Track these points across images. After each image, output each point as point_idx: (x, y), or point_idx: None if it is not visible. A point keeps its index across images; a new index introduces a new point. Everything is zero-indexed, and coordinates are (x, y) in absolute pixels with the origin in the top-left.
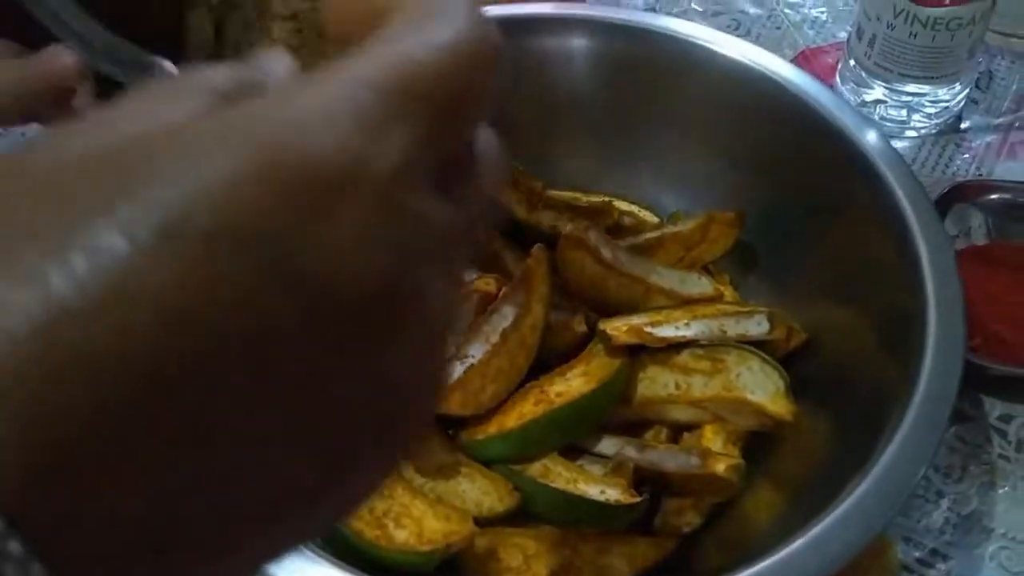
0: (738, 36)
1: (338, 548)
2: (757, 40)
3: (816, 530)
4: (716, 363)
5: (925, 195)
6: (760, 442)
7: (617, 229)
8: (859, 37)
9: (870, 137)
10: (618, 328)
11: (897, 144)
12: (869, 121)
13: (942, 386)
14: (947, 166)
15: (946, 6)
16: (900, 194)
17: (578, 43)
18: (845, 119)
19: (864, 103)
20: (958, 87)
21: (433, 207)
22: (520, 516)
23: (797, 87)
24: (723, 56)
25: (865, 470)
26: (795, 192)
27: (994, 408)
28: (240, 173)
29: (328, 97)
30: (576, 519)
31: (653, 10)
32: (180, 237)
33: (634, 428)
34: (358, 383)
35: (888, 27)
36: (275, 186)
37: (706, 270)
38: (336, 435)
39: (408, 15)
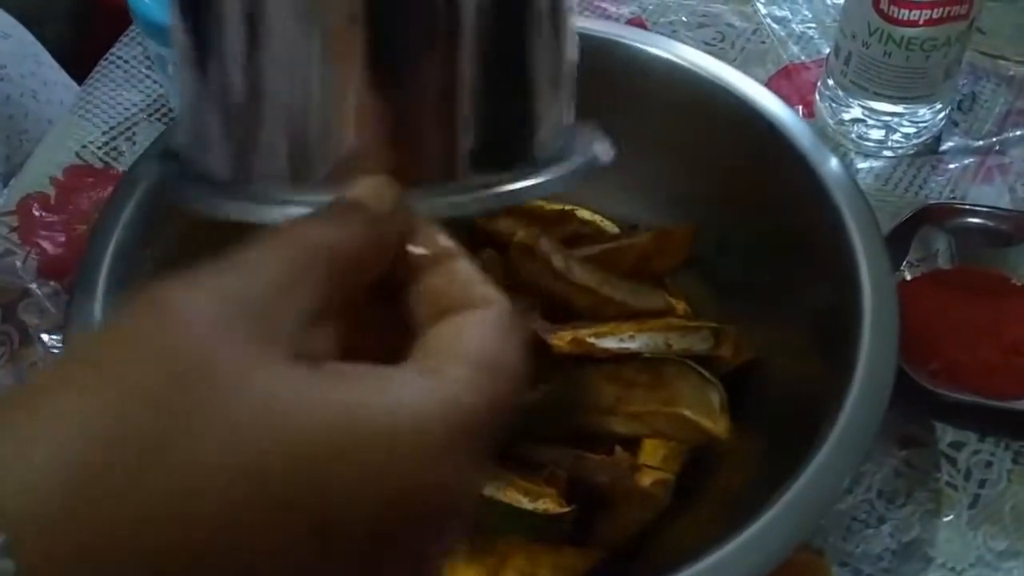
0: (722, 49)
1: None
2: (741, 53)
3: (735, 543)
4: (657, 376)
5: (873, 220)
6: (703, 459)
7: (576, 238)
8: (836, 55)
9: (826, 160)
10: (561, 338)
11: (873, 164)
12: (828, 147)
13: (868, 409)
14: (921, 188)
15: (920, 26)
16: (848, 217)
17: None
18: (804, 142)
19: (842, 122)
20: (938, 106)
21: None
22: None
23: (759, 105)
24: (688, 71)
25: (787, 486)
26: (753, 210)
27: (946, 434)
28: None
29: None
30: (505, 527)
31: (642, 23)
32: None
33: (579, 439)
34: None
35: (863, 45)
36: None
37: (662, 284)
38: None
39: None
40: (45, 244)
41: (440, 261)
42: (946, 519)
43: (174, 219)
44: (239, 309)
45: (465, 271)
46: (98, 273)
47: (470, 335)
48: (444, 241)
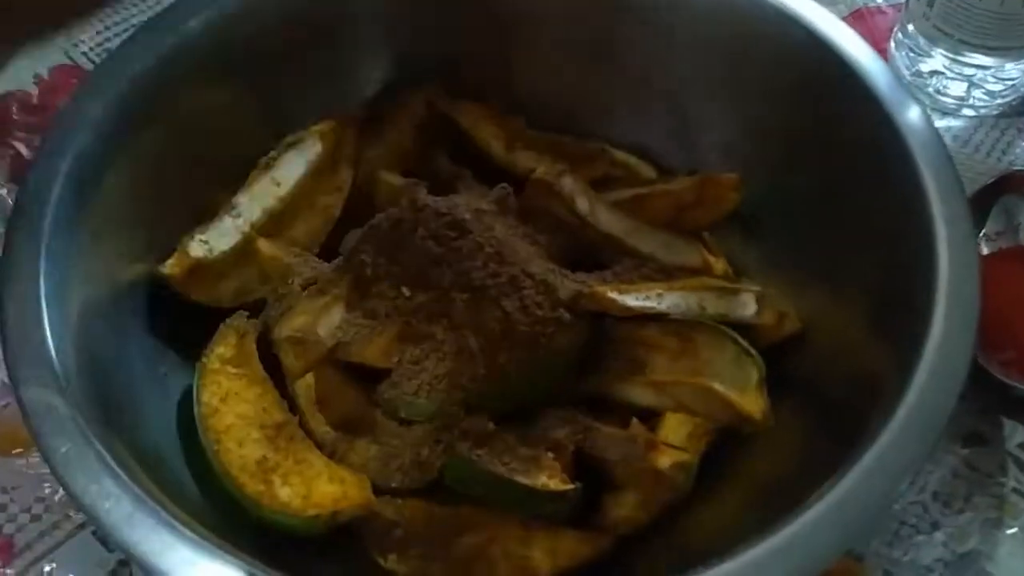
0: None
1: (223, 504)
2: None
3: (767, 545)
4: (686, 342)
5: (956, 178)
6: (734, 440)
7: (605, 181)
8: None
9: (904, 106)
10: (577, 290)
11: (951, 123)
12: (909, 92)
13: (937, 395)
14: (1004, 152)
15: None
16: (925, 173)
17: None
18: (880, 84)
19: (920, 74)
20: None
21: None
22: (435, 488)
23: (834, 42)
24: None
25: (833, 482)
26: (813, 160)
27: (1015, 433)
28: None
29: None
30: (495, 500)
31: None
32: None
33: (590, 407)
34: None
35: None
36: None
37: (700, 238)
38: None
39: None
40: (20, 147)
41: None
42: (1010, 531)
43: (158, 120)
44: None
45: None
46: (49, 190)
47: None
48: None
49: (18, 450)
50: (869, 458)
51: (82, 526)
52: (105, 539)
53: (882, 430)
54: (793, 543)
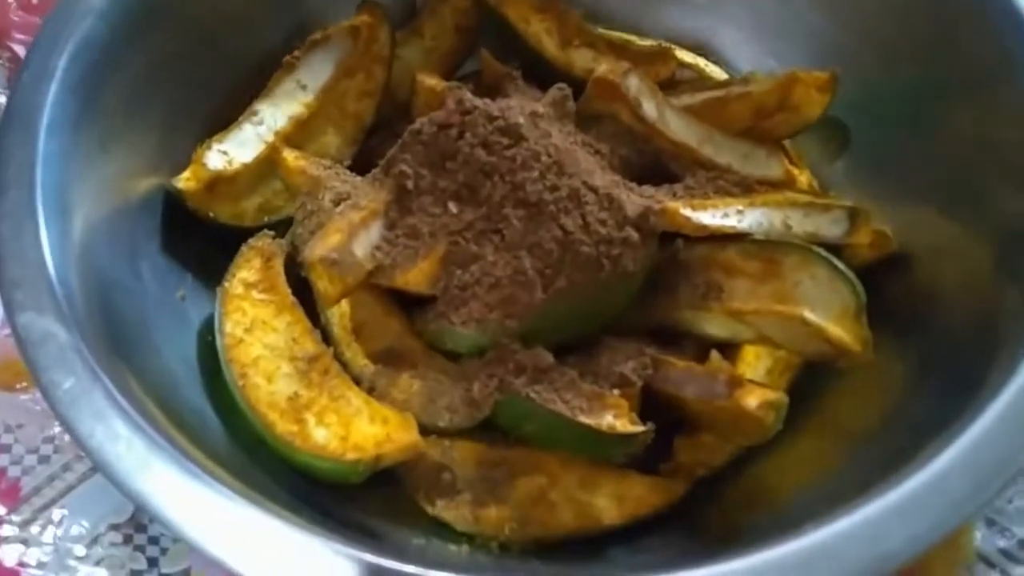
0: None
1: (249, 446)
2: None
3: (877, 507)
4: (770, 265)
5: None
6: (817, 377)
7: (672, 84)
8: None
9: None
10: (647, 206)
11: None
12: None
13: None
14: None
15: None
16: None
17: None
18: None
19: None
20: None
21: None
22: (486, 428)
23: None
24: None
25: (956, 431)
26: (914, 61)
27: None
28: None
29: None
30: (557, 443)
31: None
32: None
33: (659, 340)
34: None
35: None
36: None
37: (782, 148)
38: None
39: None
40: (19, 49)
41: None
42: None
43: (168, 9)
44: None
45: None
46: (44, 89)
47: None
48: None
49: (22, 384)
50: (1001, 403)
51: (96, 468)
52: None
53: (1013, 373)
54: (917, 499)
